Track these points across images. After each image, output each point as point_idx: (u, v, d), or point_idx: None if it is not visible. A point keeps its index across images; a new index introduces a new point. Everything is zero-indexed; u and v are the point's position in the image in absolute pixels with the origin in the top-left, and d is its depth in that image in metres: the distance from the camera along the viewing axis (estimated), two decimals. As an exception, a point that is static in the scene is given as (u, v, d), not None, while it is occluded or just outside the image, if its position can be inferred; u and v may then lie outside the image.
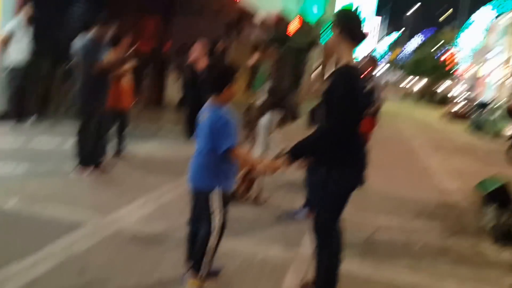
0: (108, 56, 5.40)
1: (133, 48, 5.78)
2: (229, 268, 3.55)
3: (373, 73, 6.59)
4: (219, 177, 3.06)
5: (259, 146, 5.72)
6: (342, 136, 2.90)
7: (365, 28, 3.05)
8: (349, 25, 2.98)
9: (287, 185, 6.25)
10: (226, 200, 3.14)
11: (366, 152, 3.25)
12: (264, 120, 5.76)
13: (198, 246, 3.10)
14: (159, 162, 6.63)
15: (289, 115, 6.16)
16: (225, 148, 2.97)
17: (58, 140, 7.09)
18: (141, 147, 7.24)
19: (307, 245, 4.11)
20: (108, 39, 5.56)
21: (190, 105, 8.57)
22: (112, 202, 4.74)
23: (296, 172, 5.75)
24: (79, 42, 5.32)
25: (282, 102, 6.09)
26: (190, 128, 8.24)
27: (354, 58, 3.07)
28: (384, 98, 6.57)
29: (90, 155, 5.58)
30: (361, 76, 3.14)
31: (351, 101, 2.87)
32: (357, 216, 5.17)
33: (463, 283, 3.86)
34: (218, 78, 3.09)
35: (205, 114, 3.09)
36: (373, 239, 4.61)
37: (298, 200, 5.40)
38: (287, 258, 3.93)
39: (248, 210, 5.03)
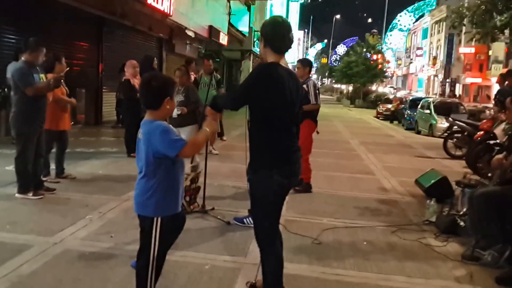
0: (42, 79, 5.42)
1: (65, 71, 5.79)
2: (180, 278, 3.52)
3: (309, 76, 6.57)
4: (161, 203, 2.80)
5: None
6: (269, 136, 2.92)
7: (291, 37, 3.04)
8: (272, 38, 3.00)
9: (231, 193, 6.20)
10: (169, 225, 2.87)
11: (299, 153, 3.09)
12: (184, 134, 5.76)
13: (138, 274, 2.90)
14: (101, 180, 6.57)
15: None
16: (177, 151, 2.69)
17: (1, 162, 7.00)
18: (82, 167, 7.29)
19: (255, 251, 3.99)
20: (41, 63, 5.55)
21: (129, 121, 8.55)
22: (57, 223, 4.65)
23: (240, 181, 5.75)
24: (12, 67, 5.28)
25: (195, 116, 6.50)
26: (131, 144, 8.23)
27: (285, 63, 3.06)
28: (320, 101, 6.53)
29: (31, 177, 5.53)
30: (292, 77, 3.05)
31: (257, 86, 2.91)
32: (302, 219, 5.16)
33: (411, 278, 3.81)
34: (155, 91, 2.79)
35: (140, 133, 2.81)
36: (319, 240, 4.53)
37: (243, 207, 5.28)
38: (236, 265, 3.88)
39: (195, 219, 4.93)
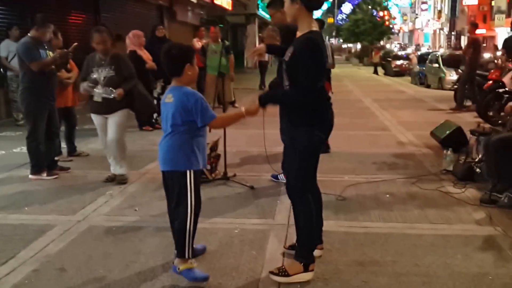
0: (49, 56, 5.28)
1: (73, 46, 5.49)
2: (211, 244, 3.60)
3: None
4: (191, 157, 3.01)
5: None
6: (311, 99, 2.94)
7: None
8: None
9: (251, 159, 6.32)
10: (199, 179, 3.11)
11: (331, 107, 3.24)
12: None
13: (177, 230, 3.07)
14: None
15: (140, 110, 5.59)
16: (208, 121, 2.97)
17: (8, 145, 6.89)
18: (93, 143, 7.03)
19: (282, 213, 4.22)
20: (47, 40, 5.41)
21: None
22: (77, 201, 4.66)
23: (258, 146, 5.88)
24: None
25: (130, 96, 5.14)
26: (141, 117, 8.17)
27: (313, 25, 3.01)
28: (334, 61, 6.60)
29: (44, 157, 5.44)
30: (322, 38, 3.11)
31: (319, 65, 2.90)
32: (324, 178, 5.26)
33: (435, 225, 4.03)
34: (175, 59, 2.99)
35: (169, 96, 3.00)
36: (343, 197, 4.73)
37: (265, 171, 5.48)
38: (265, 226, 4.00)
39: (218, 187, 5.05)
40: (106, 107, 5.04)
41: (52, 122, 5.49)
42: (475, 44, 10.56)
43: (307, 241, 3.16)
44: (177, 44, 3.19)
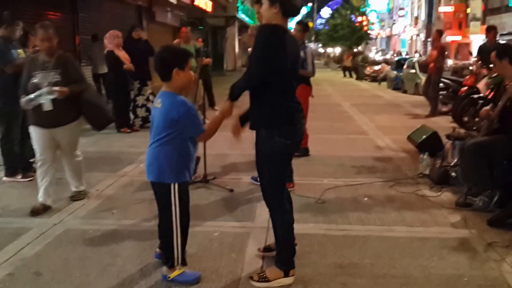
0: (21, 55, 5.15)
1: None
2: (191, 247, 3.53)
3: (305, 42, 6.55)
4: (177, 168, 2.92)
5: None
6: (255, 82, 2.92)
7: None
8: (286, 1, 2.90)
9: (231, 162, 6.33)
10: (186, 191, 3.04)
11: (301, 114, 3.14)
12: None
13: (163, 241, 3.06)
14: (93, 158, 6.34)
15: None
16: (195, 135, 2.90)
17: None
18: None
19: (262, 216, 4.22)
20: (17, 38, 5.30)
21: (116, 95, 8.40)
22: (53, 204, 4.54)
23: (238, 149, 5.87)
24: None
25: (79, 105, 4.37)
26: (120, 119, 8.18)
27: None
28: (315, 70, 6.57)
29: (19, 159, 5.35)
30: (293, 39, 3.11)
31: (272, 52, 2.84)
32: (304, 181, 5.33)
33: (411, 228, 4.09)
34: (163, 63, 2.88)
35: (158, 102, 2.91)
36: (322, 200, 4.76)
37: (245, 173, 5.49)
38: (245, 229, 4.02)
39: (197, 190, 5.03)
40: (54, 119, 4.22)
41: (25, 123, 5.29)
42: (443, 51, 10.96)
43: (286, 248, 3.16)
44: (169, 46, 3.09)
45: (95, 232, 3.92)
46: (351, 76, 28.18)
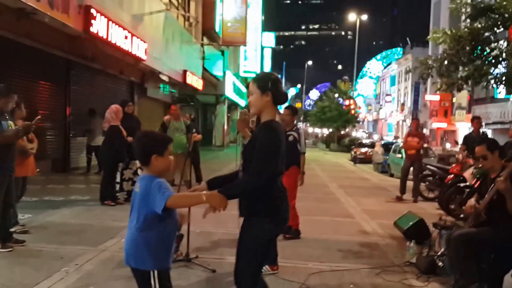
0: (10, 127, 5.19)
1: (37, 119, 5.40)
2: None
3: (295, 123, 6.65)
4: (156, 255, 2.80)
5: None
6: (263, 185, 2.95)
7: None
8: (277, 91, 3.07)
9: (215, 240, 6.21)
10: (167, 278, 2.93)
11: (287, 201, 3.17)
12: None
13: None
14: (74, 230, 6.27)
15: None
16: (164, 202, 2.70)
17: None
18: (52, 216, 6.97)
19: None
20: (8, 110, 5.34)
21: (110, 168, 8.42)
22: (31, 277, 4.47)
23: (224, 228, 5.80)
24: None
25: None
26: (105, 191, 8.18)
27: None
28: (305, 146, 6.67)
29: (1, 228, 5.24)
30: (285, 129, 3.24)
31: (275, 150, 2.95)
32: (288, 264, 5.24)
33: (398, 319, 3.97)
34: (143, 148, 2.86)
35: (137, 186, 2.87)
36: (307, 285, 4.65)
37: (228, 254, 5.35)
38: None
39: (178, 268, 4.89)
40: None
41: (9, 194, 5.32)
42: (423, 139, 11.47)
43: None
44: (148, 133, 3.00)
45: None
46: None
